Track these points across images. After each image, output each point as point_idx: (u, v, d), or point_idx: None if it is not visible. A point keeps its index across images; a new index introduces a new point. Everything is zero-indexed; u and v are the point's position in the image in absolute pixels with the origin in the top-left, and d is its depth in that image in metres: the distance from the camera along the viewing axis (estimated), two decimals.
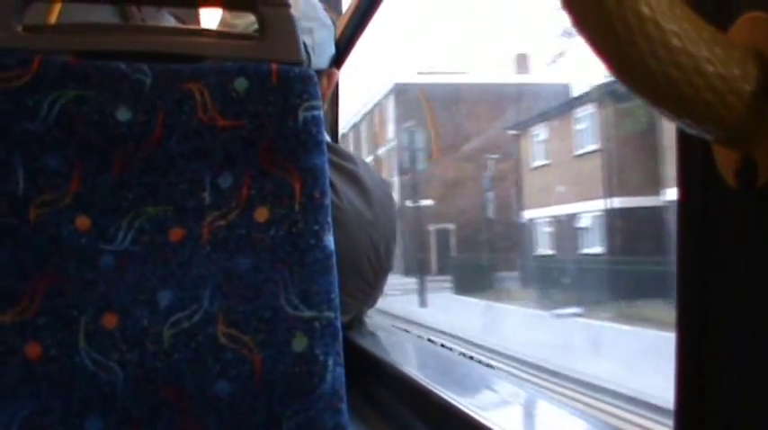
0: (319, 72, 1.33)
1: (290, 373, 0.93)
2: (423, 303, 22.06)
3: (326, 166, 0.99)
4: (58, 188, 0.95)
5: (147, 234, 0.95)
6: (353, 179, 1.33)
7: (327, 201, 0.97)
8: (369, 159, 40.04)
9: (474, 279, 24.44)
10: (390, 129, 38.50)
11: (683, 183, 0.51)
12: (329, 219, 0.97)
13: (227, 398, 0.93)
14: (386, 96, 39.13)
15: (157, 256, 0.95)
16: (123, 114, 0.96)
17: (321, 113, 0.99)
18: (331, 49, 1.46)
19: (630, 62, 0.41)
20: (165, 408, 0.93)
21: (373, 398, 1.12)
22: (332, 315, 0.95)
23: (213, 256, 0.95)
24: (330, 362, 0.94)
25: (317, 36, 1.39)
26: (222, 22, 1.44)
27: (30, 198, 0.94)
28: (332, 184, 1.09)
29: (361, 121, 45.29)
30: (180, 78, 0.97)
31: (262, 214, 0.96)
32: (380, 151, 40.19)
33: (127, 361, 0.92)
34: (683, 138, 0.51)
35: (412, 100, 33.83)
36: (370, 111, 42.14)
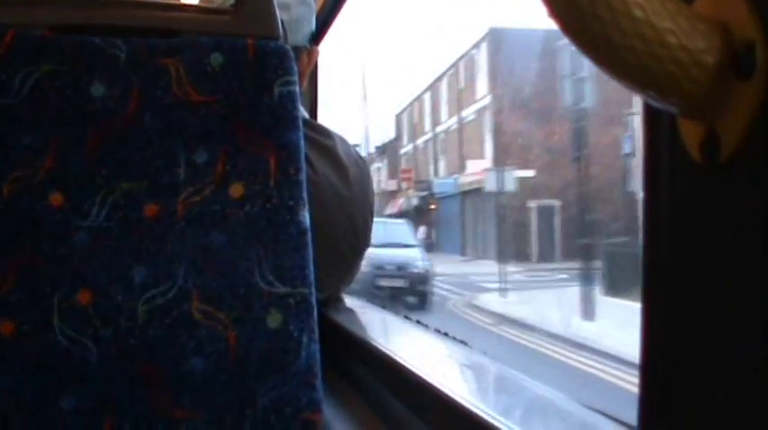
0: (298, 49, 1.32)
1: (264, 350, 0.94)
2: (588, 313, 13.93)
3: (302, 142, 0.98)
4: (31, 164, 0.94)
5: (122, 210, 0.95)
6: (330, 155, 1.33)
7: (302, 177, 0.97)
8: (451, 122, 37.23)
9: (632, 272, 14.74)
10: (482, 86, 32.69)
11: (650, 157, 0.51)
12: (304, 195, 0.97)
13: (202, 375, 0.93)
14: (476, 46, 32.68)
15: (132, 232, 0.95)
16: (97, 89, 0.96)
17: (297, 89, 0.98)
18: (310, 26, 1.45)
19: (594, 34, 0.41)
20: (139, 385, 0.93)
21: (350, 375, 1.13)
22: (306, 291, 0.95)
23: (188, 232, 0.95)
24: (304, 338, 0.94)
25: (295, 12, 1.38)
26: None
27: (2, 174, 0.93)
28: (308, 160, 1.08)
29: (434, 85, 39.63)
30: (155, 53, 0.97)
31: (236, 190, 0.96)
32: (466, 111, 34.92)
33: (101, 337, 0.92)
34: (649, 110, 0.51)
35: (512, 48, 28.34)
36: (454, 65, 36.56)
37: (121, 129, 0.96)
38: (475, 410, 0.76)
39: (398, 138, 50.86)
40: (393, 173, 51.01)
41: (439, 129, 40.63)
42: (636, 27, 0.41)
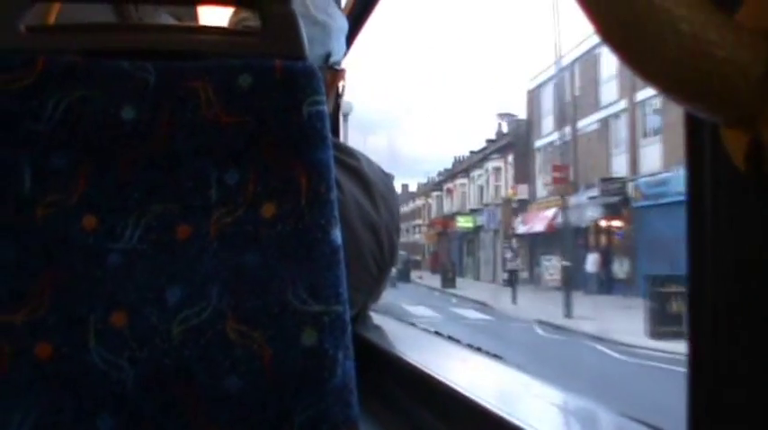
0: (321, 69, 1.33)
1: (299, 368, 0.94)
2: None
3: (332, 161, 0.99)
4: (65, 188, 0.95)
5: (154, 232, 0.96)
6: (356, 174, 1.34)
7: (333, 196, 0.98)
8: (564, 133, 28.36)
9: None
10: (608, 90, 27.07)
11: (692, 167, 0.51)
12: (336, 214, 0.98)
13: (238, 394, 0.93)
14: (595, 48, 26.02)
15: (165, 254, 0.95)
16: (128, 113, 0.97)
17: (325, 108, 0.99)
18: (324, 48, 1.45)
19: (641, 49, 0.42)
20: (175, 405, 0.93)
21: (383, 391, 1.13)
22: (340, 309, 0.95)
23: (221, 253, 0.95)
24: (340, 355, 0.95)
25: (306, 32, 1.39)
26: (231, 21, 1.43)
27: (36, 198, 0.94)
28: (335, 181, 1.09)
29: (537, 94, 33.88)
30: (183, 76, 0.98)
31: (268, 210, 0.96)
32: (585, 121, 28.68)
33: (137, 358, 0.93)
34: (690, 121, 0.51)
35: None
36: (569, 68, 29.09)
37: (152, 152, 0.97)
38: (513, 421, 0.76)
39: (532, 123, 36.88)
40: (522, 173, 36.97)
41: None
42: (682, 41, 0.41)
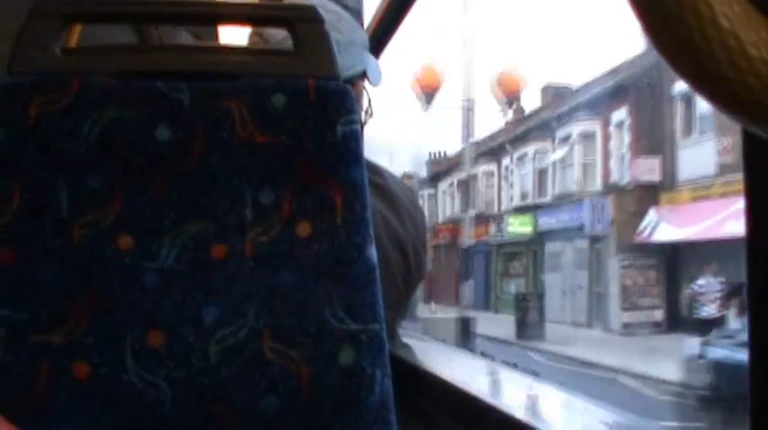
0: None
1: (337, 386, 0.94)
2: None
3: (366, 180, 1.00)
4: (101, 208, 0.96)
5: (190, 251, 0.96)
6: (383, 193, 1.34)
7: (368, 214, 0.98)
8: None
9: None
10: None
11: (751, 187, 0.52)
12: (371, 232, 0.98)
13: (276, 413, 0.93)
14: None
15: (201, 273, 0.96)
16: (162, 133, 0.97)
17: (359, 127, 1.00)
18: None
19: (709, 74, 0.42)
20: (213, 425, 0.94)
21: (417, 408, 1.13)
22: (377, 327, 0.96)
23: (257, 272, 0.96)
24: (378, 374, 0.95)
25: None
26: (254, 35, 1.43)
27: (73, 219, 0.95)
28: None
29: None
30: (218, 96, 0.98)
31: (304, 229, 0.97)
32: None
33: (174, 378, 0.93)
34: (749, 142, 0.52)
35: None
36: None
37: (187, 172, 0.97)
38: None
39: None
40: (646, 139, 21.29)
41: None
42: (751, 65, 0.41)
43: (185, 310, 0.95)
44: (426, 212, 38.60)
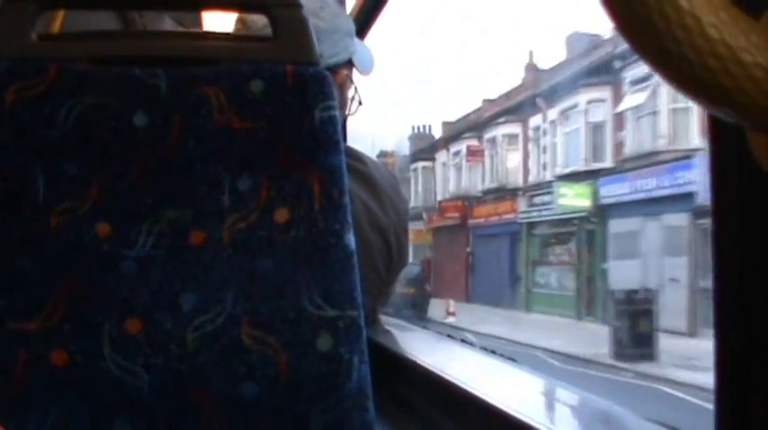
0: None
1: (315, 373, 0.94)
2: None
3: (344, 166, 0.99)
4: (78, 195, 0.95)
5: (168, 238, 0.96)
6: (365, 179, 1.34)
7: (346, 201, 0.98)
8: None
9: None
10: None
11: (717, 171, 0.52)
12: (349, 219, 0.98)
13: (254, 400, 0.93)
14: None
15: (179, 260, 0.95)
16: (140, 119, 0.97)
17: (337, 113, 1.00)
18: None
19: (669, 54, 0.42)
20: (191, 411, 0.94)
21: (397, 394, 1.13)
22: (355, 313, 0.96)
23: (235, 259, 0.96)
24: (355, 360, 0.95)
25: None
26: (238, 22, 1.42)
27: (50, 206, 0.94)
28: None
29: None
30: (195, 82, 0.98)
31: (282, 215, 0.97)
32: None
33: (152, 365, 0.93)
34: (714, 125, 0.52)
35: None
36: None
37: (165, 158, 0.97)
38: (530, 423, 0.76)
39: None
40: None
41: None
42: (711, 46, 0.41)
43: (163, 297, 0.94)
44: (420, 189, 32.78)
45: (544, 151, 24.04)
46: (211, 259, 0.96)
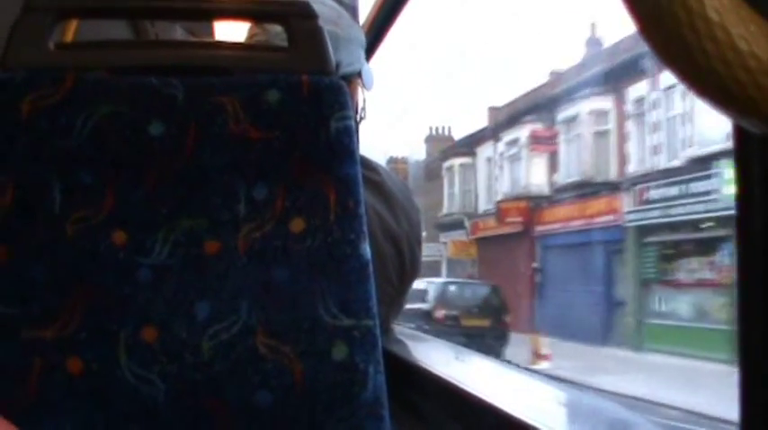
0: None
1: (330, 382, 0.94)
2: None
3: (359, 176, 0.99)
4: (94, 204, 0.95)
5: (183, 247, 0.96)
6: (378, 189, 1.34)
7: (362, 211, 0.98)
8: None
9: None
10: None
11: (742, 180, 0.52)
12: (365, 229, 0.98)
13: (269, 409, 0.93)
14: None
15: (194, 269, 0.96)
16: (156, 128, 0.97)
17: (353, 123, 1.00)
18: (333, 58, 1.44)
19: (698, 67, 0.42)
20: (206, 420, 0.94)
21: (411, 404, 1.13)
22: (371, 323, 0.96)
23: (250, 268, 0.96)
24: (371, 369, 0.95)
25: None
26: (255, 26, 1.43)
27: (66, 214, 0.95)
28: None
29: None
30: (211, 91, 0.98)
31: (297, 225, 0.97)
32: None
33: (167, 373, 0.93)
34: (740, 135, 0.52)
35: None
36: None
37: (180, 167, 0.97)
38: None
39: None
40: None
41: None
42: (741, 59, 0.41)
43: (178, 306, 0.94)
44: (457, 191, 27.28)
45: (654, 129, 18.08)
46: (226, 268, 0.96)
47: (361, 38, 1.51)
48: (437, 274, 25.33)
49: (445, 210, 28.78)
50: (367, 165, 1.38)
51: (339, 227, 0.97)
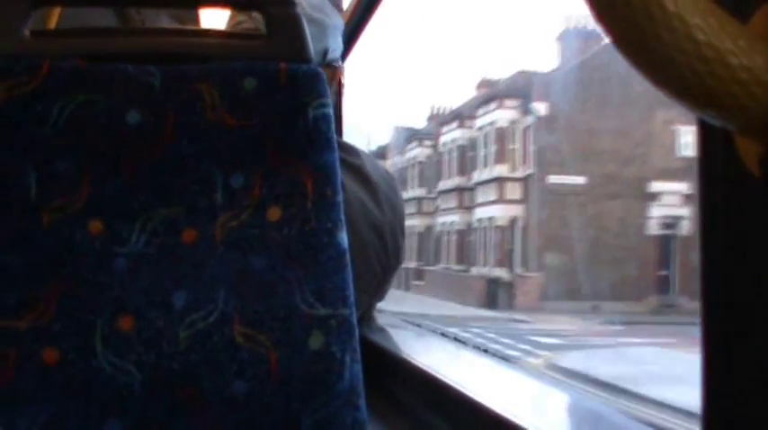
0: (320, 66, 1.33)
1: (307, 371, 0.94)
2: None
3: (337, 164, 0.99)
4: (70, 193, 0.95)
5: (160, 236, 0.96)
6: (360, 175, 1.34)
7: (340, 199, 0.98)
8: None
9: None
10: None
11: (705, 175, 0.51)
12: (342, 217, 0.98)
13: (245, 398, 0.93)
14: None
15: (171, 258, 0.95)
16: (133, 117, 0.96)
17: (330, 111, 0.99)
18: (322, 45, 1.45)
19: (655, 56, 0.42)
20: (182, 409, 0.93)
21: (389, 393, 1.13)
22: (347, 312, 0.95)
23: (227, 257, 0.95)
24: (347, 359, 0.95)
25: None
26: (231, 21, 1.43)
27: (42, 204, 0.94)
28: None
29: None
30: (188, 79, 0.98)
31: (274, 213, 0.96)
32: None
33: (144, 363, 0.93)
34: (703, 129, 0.51)
35: None
36: None
37: (157, 156, 0.96)
38: (520, 424, 0.76)
39: None
40: None
41: None
42: (698, 49, 0.41)
43: (155, 295, 0.94)
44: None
45: None
46: (203, 257, 0.95)
47: (341, 24, 1.53)
48: None
49: None
50: (346, 148, 1.37)
51: (316, 215, 0.96)
